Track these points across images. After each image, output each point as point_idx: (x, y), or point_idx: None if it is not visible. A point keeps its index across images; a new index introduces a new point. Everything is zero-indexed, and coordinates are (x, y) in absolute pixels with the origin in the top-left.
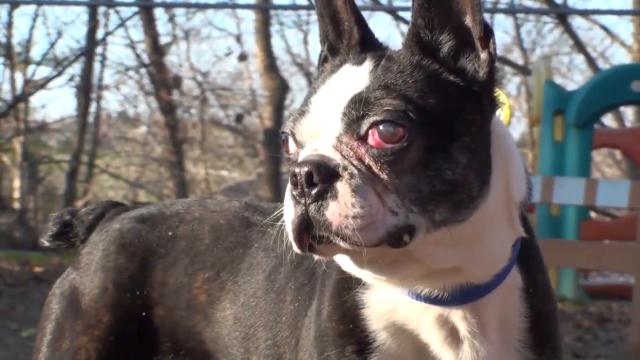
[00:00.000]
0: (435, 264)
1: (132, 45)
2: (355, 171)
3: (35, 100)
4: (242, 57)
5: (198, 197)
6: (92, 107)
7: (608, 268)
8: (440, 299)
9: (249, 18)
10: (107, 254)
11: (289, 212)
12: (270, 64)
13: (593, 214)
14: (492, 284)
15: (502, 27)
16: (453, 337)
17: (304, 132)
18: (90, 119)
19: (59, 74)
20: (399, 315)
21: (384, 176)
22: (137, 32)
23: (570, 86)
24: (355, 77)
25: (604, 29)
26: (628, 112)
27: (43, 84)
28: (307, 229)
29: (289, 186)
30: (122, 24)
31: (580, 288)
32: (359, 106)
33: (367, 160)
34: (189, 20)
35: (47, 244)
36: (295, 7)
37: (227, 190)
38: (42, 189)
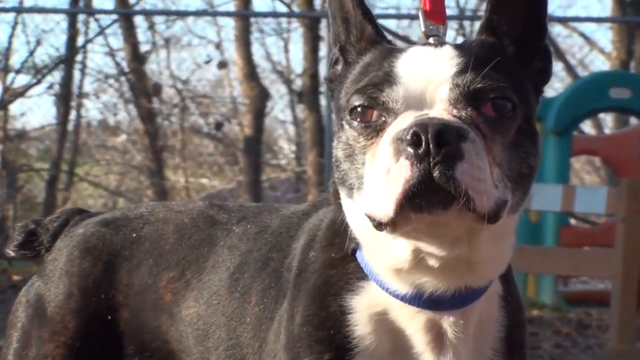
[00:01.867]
0: (477, 252)
1: (111, 53)
2: (476, 137)
3: (14, 108)
4: (222, 65)
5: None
6: (72, 115)
7: (587, 274)
8: (437, 301)
9: (229, 26)
10: (71, 259)
11: (402, 171)
12: (251, 72)
13: (572, 221)
14: (484, 289)
15: None
16: (436, 342)
17: (399, 99)
18: (70, 127)
19: (39, 82)
20: (386, 318)
21: (494, 146)
22: (116, 40)
23: (549, 93)
24: (444, 54)
25: (583, 36)
26: (607, 119)
27: (22, 92)
28: (422, 190)
29: (396, 145)
30: (101, 31)
31: (560, 294)
32: (473, 78)
33: (483, 128)
34: (168, 28)
35: (12, 254)
36: (275, 15)
37: (208, 198)
38: (22, 198)
